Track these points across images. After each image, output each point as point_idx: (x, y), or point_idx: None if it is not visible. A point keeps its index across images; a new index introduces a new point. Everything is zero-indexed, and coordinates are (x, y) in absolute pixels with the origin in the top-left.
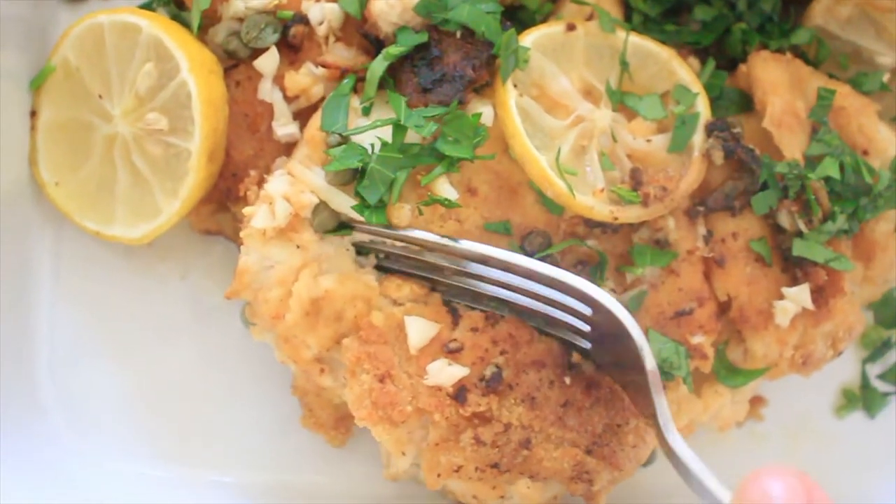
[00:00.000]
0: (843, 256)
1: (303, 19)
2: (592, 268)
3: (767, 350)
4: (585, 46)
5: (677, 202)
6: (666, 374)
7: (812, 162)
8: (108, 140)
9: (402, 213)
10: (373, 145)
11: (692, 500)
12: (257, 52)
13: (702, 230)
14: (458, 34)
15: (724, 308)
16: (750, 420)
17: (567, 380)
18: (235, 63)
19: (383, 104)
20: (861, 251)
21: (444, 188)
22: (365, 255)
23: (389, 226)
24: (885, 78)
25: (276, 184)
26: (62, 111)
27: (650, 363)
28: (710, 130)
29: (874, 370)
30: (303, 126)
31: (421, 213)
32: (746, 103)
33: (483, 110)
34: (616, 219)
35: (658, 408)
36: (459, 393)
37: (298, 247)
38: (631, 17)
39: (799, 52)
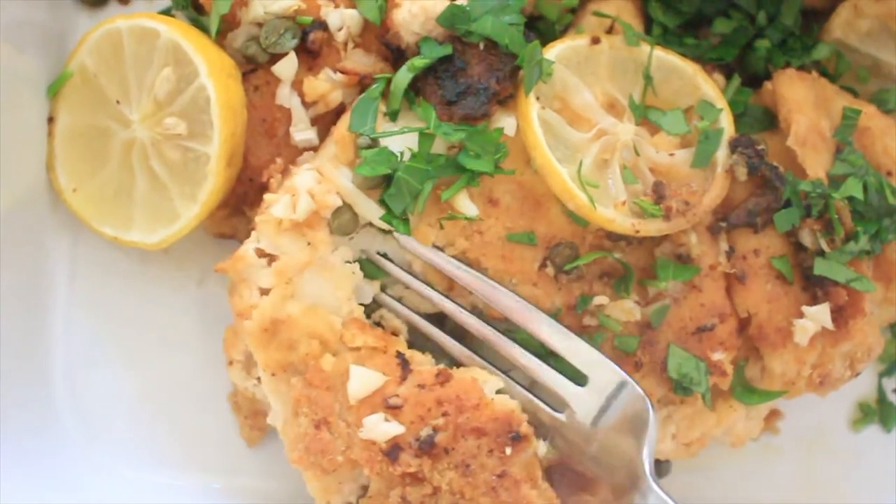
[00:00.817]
0: (865, 277)
1: (322, 25)
2: (617, 280)
3: (785, 368)
4: (609, 60)
5: (700, 217)
6: (685, 389)
7: (836, 181)
8: (126, 145)
9: (425, 230)
10: (402, 153)
11: None
12: (276, 58)
13: (724, 246)
14: (482, 46)
15: (743, 325)
16: (765, 433)
17: (508, 450)
18: (254, 68)
19: (408, 112)
20: (882, 272)
21: (464, 203)
22: (371, 278)
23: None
24: None
25: (304, 178)
26: (80, 117)
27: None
28: (734, 146)
29: (891, 384)
30: (321, 132)
31: (442, 227)
32: (770, 121)
33: (506, 122)
34: (638, 231)
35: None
36: (392, 450)
37: (309, 244)
38: (651, 29)
39: (819, 67)
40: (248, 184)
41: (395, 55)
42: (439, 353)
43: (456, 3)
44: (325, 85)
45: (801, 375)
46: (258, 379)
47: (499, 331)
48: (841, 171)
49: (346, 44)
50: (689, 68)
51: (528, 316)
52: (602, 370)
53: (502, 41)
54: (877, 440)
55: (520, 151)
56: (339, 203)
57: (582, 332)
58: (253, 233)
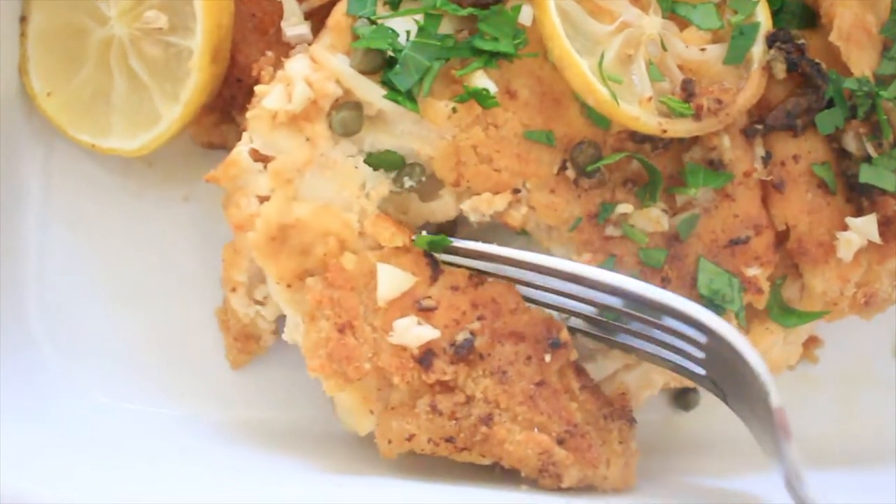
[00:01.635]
0: None
1: None
2: (642, 188)
3: (827, 287)
4: None
5: (733, 117)
6: (716, 307)
7: (883, 81)
8: (103, 44)
9: (437, 109)
10: (408, 32)
11: (733, 450)
12: None
13: (760, 151)
14: None
15: (781, 238)
16: (803, 362)
17: (547, 357)
18: None
19: (410, 4)
20: None
21: (482, 80)
22: (386, 169)
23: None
24: None
25: (298, 64)
26: (54, 16)
27: (776, 401)
28: (771, 41)
29: None
30: (315, 27)
31: (455, 110)
32: (810, 19)
33: (522, 8)
34: (665, 132)
35: (785, 455)
36: (425, 357)
37: (308, 139)
38: None
39: None
40: (236, 86)
41: None
42: None
43: None
44: None
45: (844, 295)
46: (262, 302)
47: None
48: (889, 70)
49: None
50: None
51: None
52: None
53: None
54: None
55: (537, 43)
56: (339, 92)
57: (605, 244)
58: (244, 134)
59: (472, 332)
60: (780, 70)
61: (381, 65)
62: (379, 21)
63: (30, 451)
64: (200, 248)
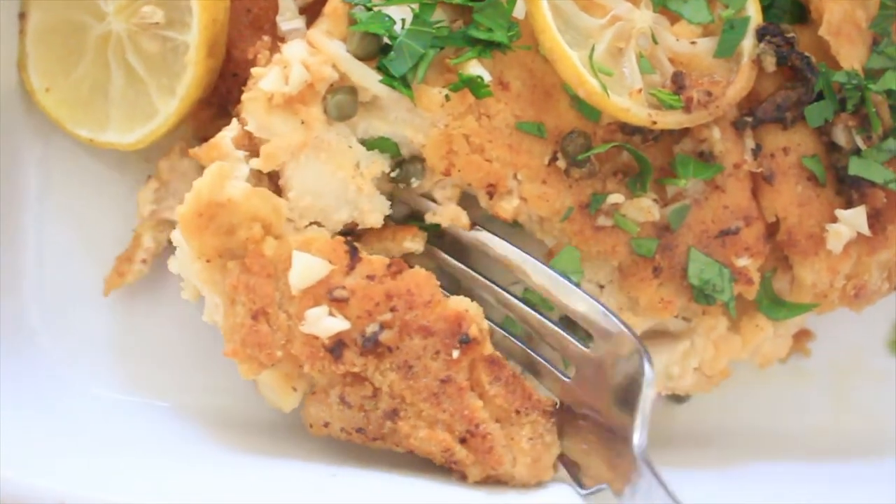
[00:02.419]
0: None
1: None
2: (632, 178)
3: (817, 278)
4: None
5: (723, 109)
6: (707, 297)
7: (872, 75)
8: (101, 40)
9: (431, 96)
10: (403, 20)
11: (732, 442)
12: None
13: (750, 143)
14: None
15: (771, 230)
16: (795, 355)
17: (455, 353)
18: None
19: None
20: None
21: (476, 69)
22: (382, 151)
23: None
24: None
25: (295, 48)
26: (53, 12)
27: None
28: (761, 35)
29: None
30: (309, 21)
31: (448, 98)
32: (800, 13)
33: (517, 1)
34: (654, 123)
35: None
36: (335, 347)
37: (303, 122)
38: None
39: None
40: (231, 80)
41: None
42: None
43: None
44: None
45: (833, 287)
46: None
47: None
48: (878, 64)
49: None
50: None
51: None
52: (606, 327)
53: None
54: None
55: (529, 36)
56: (335, 76)
57: (597, 234)
58: (234, 121)
59: (381, 325)
60: (769, 63)
61: (377, 51)
62: (375, 8)
63: (27, 443)
64: None
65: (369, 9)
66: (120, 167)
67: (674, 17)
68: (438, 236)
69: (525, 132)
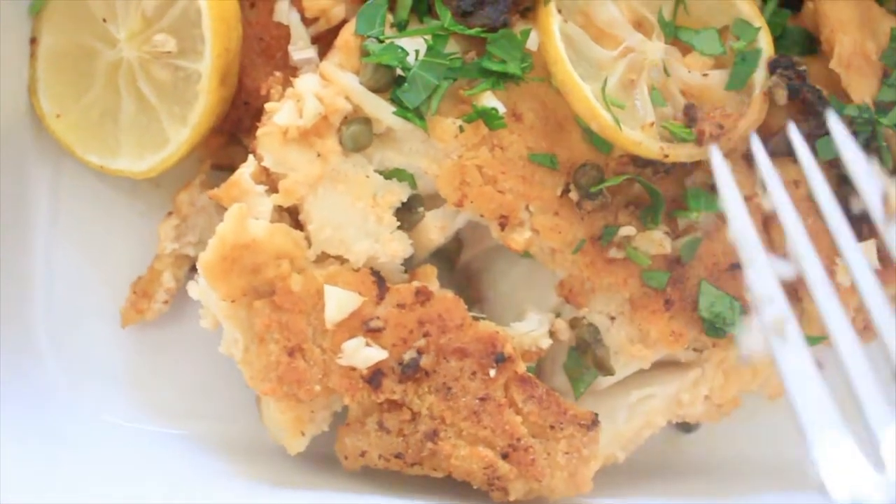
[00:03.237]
0: None
1: None
2: (644, 210)
3: None
4: None
5: (735, 142)
6: (717, 330)
7: (883, 108)
8: (112, 66)
9: (445, 126)
10: (417, 51)
11: (741, 473)
12: None
13: (761, 176)
14: None
15: None
16: None
17: (492, 372)
18: None
19: (417, 25)
20: None
21: (491, 101)
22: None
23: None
24: None
25: (308, 81)
26: (64, 37)
27: None
28: (773, 68)
29: None
30: (321, 52)
31: (462, 130)
32: (811, 45)
33: (531, 33)
34: (666, 156)
35: None
36: (374, 376)
37: (319, 155)
38: None
39: None
40: (243, 108)
41: None
42: None
43: None
44: (327, 0)
45: None
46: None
47: None
48: (889, 97)
49: None
50: None
51: None
52: None
53: None
54: None
55: (542, 68)
56: (349, 108)
57: (608, 266)
58: (250, 157)
59: (418, 351)
60: (781, 96)
61: (390, 83)
62: (388, 40)
63: (31, 470)
64: None
65: (381, 41)
66: (131, 192)
67: (685, 49)
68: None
69: (538, 164)
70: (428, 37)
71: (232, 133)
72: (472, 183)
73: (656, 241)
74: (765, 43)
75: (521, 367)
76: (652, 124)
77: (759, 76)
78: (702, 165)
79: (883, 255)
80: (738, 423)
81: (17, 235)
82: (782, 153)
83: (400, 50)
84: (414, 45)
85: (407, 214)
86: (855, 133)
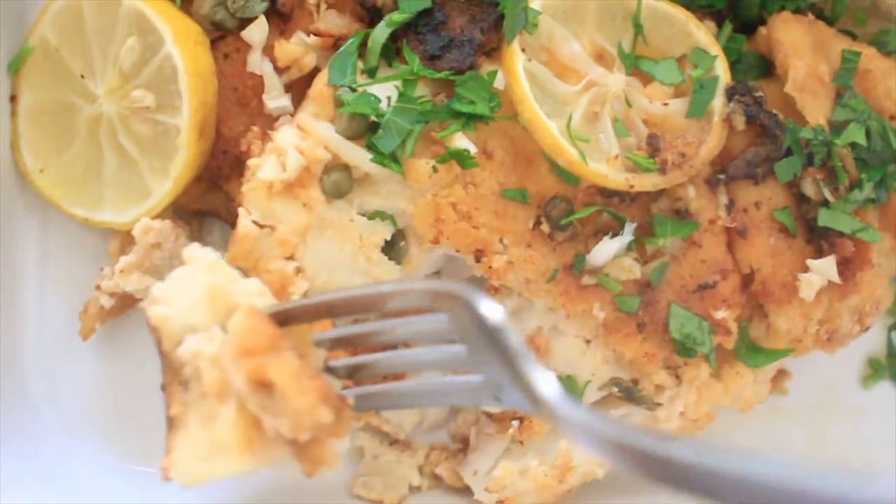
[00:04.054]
0: (871, 227)
1: None
2: (612, 237)
3: (791, 325)
4: (597, 8)
5: (697, 169)
6: (688, 350)
7: (837, 128)
8: (92, 121)
9: (419, 168)
10: (389, 98)
11: None
12: (245, 22)
13: (723, 199)
14: None
15: (746, 281)
16: (773, 394)
17: None
18: (222, 34)
19: (386, 70)
20: (889, 221)
21: (462, 141)
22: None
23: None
24: None
25: (287, 135)
26: (43, 94)
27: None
28: (730, 94)
29: None
30: (295, 99)
31: (436, 170)
32: (766, 68)
33: (497, 73)
34: (632, 187)
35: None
36: None
37: (304, 205)
38: None
39: (815, 9)
40: (221, 157)
41: (371, 14)
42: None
43: None
44: (298, 49)
45: (807, 332)
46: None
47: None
48: (842, 116)
49: (318, 5)
50: (681, 15)
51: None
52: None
53: None
54: (888, 396)
55: (509, 106)
56: (328, 156)
57: (581, 293)
58: (241, 210)
59: None
60: (739, 122)
61: (365, 130)
62: (360, 88)
63: None
64: None
65: (354, 89)
66: None
67: (646, 79)
68: None
69: (509, 198)
70: (398, 82)
71: (212, 180)
72: (446, 220)
73: (626, 268)
74: (722, 70)
75: None
76: (616, 156)
77: (718, 103)
78: (666, 192)
79: (842, 269)
80: (714, 433)
81: (8, 287)
82: (742, 176)
83: (373, 97)
84: (385, 91)
85: (393, 250)
86: (811, 154)
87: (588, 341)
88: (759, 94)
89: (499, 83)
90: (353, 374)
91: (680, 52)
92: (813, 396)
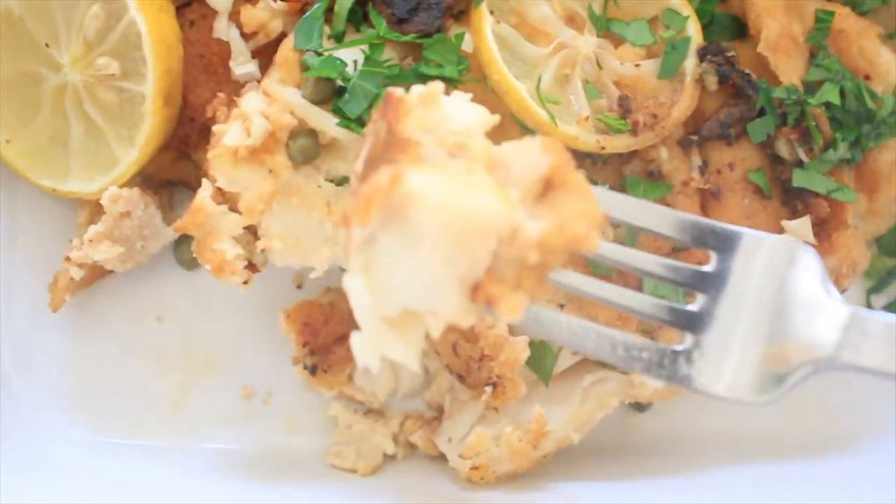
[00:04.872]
0: (846, 187)
1: None
2: None
3: None
4: None
5: (669, 130)
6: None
7: (811, 88)
8: (58, 91)
9: None
10: (355, 62)
11: (696, 448)
12: None
13: (696, 160)
14: None
15: None
16: None
17: None
18: (188, 1)
19: (354, 34)
20: (864, 183)
21: None
22: None
23: None
24: None
25: (252, 100)
26: (8, 64)
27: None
28: (702, 55)
29: (879, 301)
30: (262, 65)
31: None
32: (739, 29)
33: (465, 36)
34: (603, 148)
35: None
36: None
37: (270, 171)
38: None
39: None
40: (189, 124)
41: None
42: None
43: None
44: (265, 14)
45: None
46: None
47: None
48: (816, 76)
49: None
50: None
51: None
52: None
53: None
54: None
55: (478, 69)
56: (294, 122)
57: None
58: (204, 181)
59: None
60: (712, 82)
61: (331, 94)
62: (326, 53)
63: (10, 493)
64: (160, 282)
65: (319, 54)
66: None
67: (617, 41)
68: None
69: None
70: (365, 46)
71: (179, 149)
72: None
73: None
74: (694, 31)
75: None
76: (587, 118)
77: (690, 64)
78: (639, 154)
79: (817, 230)
80: (689, 400)
81: None
82: (716, 136)
83: (338, 61)
84: (352, 55)
85: None
86: (784, 114)
87: (562, 305)
88: (731, 54)
89: (467, 46)
90: None
91: (651, 13)
92: None
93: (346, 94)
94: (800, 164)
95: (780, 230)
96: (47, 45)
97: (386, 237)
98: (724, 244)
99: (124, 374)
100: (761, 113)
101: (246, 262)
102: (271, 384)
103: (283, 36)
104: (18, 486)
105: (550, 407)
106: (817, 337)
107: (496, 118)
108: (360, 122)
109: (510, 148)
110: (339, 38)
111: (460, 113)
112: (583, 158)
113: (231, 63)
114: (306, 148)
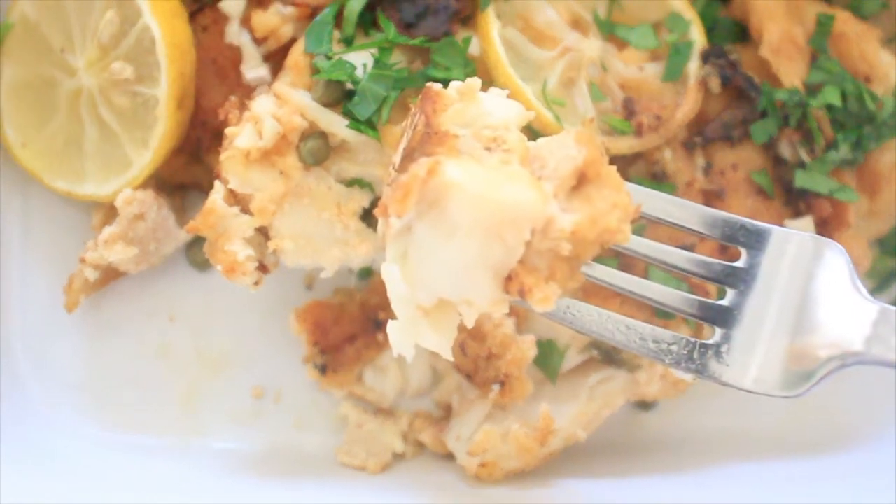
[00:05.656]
0: (848, 187)
1: None
2: None
3: None
4: None
5: (673, 132)
6: (666, 313)
7: (812, 90)
8: (73, 95)
9: (395, 133)
10: (365, 65)
11: (702, 446)
12: None
13: (700, 161)
14: None
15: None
16: None
17: None
18: (201, 7)
19: (363, 39)
20: (866, 183)
21: None
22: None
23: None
24: None
25: (264, 103)
26: (24, 69)
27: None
28: (705, 58)
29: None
30: (273, 69)
31: None
32: (742, 33)
33: (472, 40)
34: (608, 150)
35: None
36: None
37: (282, 173)
38: None
39: None
40: (201, 128)
41: None
42: None
43: None
44: (275, 19)
45: None
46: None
47: None
48: (817, 79)
49: None
50: None
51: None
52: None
53: None
54: None
55: (485, 72)
56: (305, 124)
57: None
58: (216, 182)
59: None
60: (715, 85)
61: (341, 97)
62: (336, 56)
63: (25, 491)
64: (172, 283)
65: (330, 58)
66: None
67: (621, 44)
68: None
69: None
70: (374, 50)
71: (192, 152)
72: None
73: None
74: (697, 34)
75: None
76: (592, 120)
77: (693, 67)
78: (643, 156)
79: (820, 229)
80: (694, 399)
81: None
82: (719, 138)
83: (348, 65)
84: (361, 58)
85: (372, 218)
86: (787, 116)
87: (568, 307)
88: (734, 57)
89: (474, 50)
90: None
91: (655, 18)
92: None
93: (356, 97)
94: (802, 164)
95: None
96: (62, 50)
97: (422, 227)
98: (754, 240)
99: (137, 373)
100: (764, 115)
101: (257, 263)
102: (282, 384)
103: (293, 40)
104: (32, 483)
105: (557, 405)
106: (846, 332)
107: (532, 114)
108: (370, 125)
109: (545, 141)
110: (348, 42)
111: (497, 107)
112: None
113: (242, 67)
114: (317, 150)
